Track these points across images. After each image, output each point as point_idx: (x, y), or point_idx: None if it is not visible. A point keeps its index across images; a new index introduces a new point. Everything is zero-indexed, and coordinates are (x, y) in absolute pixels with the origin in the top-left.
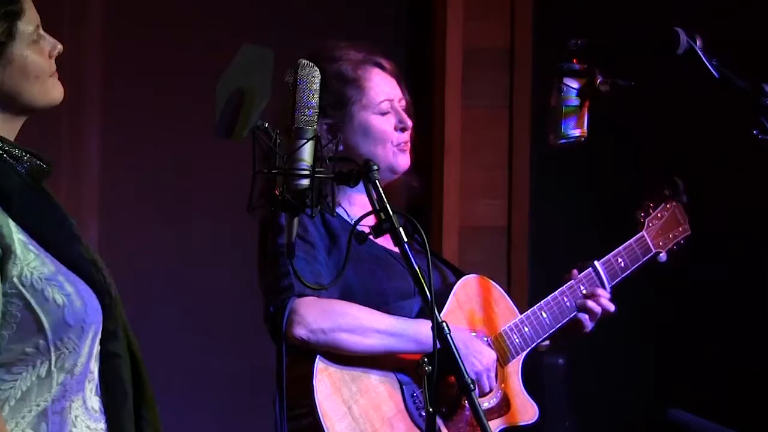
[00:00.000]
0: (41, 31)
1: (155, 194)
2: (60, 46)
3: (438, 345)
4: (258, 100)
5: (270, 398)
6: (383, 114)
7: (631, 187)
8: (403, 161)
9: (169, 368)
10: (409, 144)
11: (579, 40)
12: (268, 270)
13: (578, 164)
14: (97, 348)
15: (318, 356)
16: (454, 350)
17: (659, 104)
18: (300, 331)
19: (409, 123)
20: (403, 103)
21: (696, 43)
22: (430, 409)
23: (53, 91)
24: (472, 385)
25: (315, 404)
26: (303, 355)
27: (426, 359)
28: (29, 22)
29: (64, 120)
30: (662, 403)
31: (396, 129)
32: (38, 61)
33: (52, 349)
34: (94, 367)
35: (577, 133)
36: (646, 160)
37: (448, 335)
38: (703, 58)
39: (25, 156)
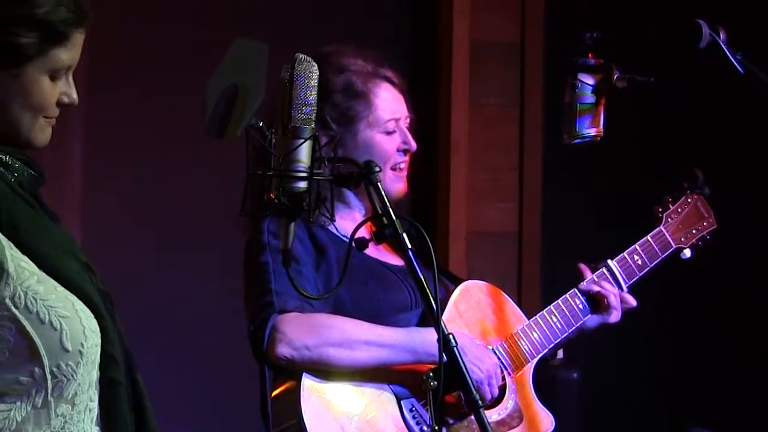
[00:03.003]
0: (69, 78)
1: (139, 200)
2: (76, 100)
3: (444, 359)
4: (252, 98)
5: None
6: (389, 133)
7: (649, 190)
8: (400, 188)
9: (154, 377)
10: (407, 168)
11: (594, 34)
12: (250, 289)
13: (594, 165)
14: (96, 375)
15: (304, 372)
16: (461, 364)
17: (679, 102)
18: (283, 349)
19: (414, 146)
20: (408, 121)
21: (719, 37)
22: (436, 428)
23: (40, 134)
24: (480, 402)
25: (304, 426)
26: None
27: (431, 374)
28: (64, 56)
29: None
30: (684, 418)
31: (399, 150)
32: (45, 94)
33: (49, 377)
34: (95, 395)
35: (592, 132)
36: (665, 160)
37: (455, 348)
38: (727, 52)
39: (16, 164)
